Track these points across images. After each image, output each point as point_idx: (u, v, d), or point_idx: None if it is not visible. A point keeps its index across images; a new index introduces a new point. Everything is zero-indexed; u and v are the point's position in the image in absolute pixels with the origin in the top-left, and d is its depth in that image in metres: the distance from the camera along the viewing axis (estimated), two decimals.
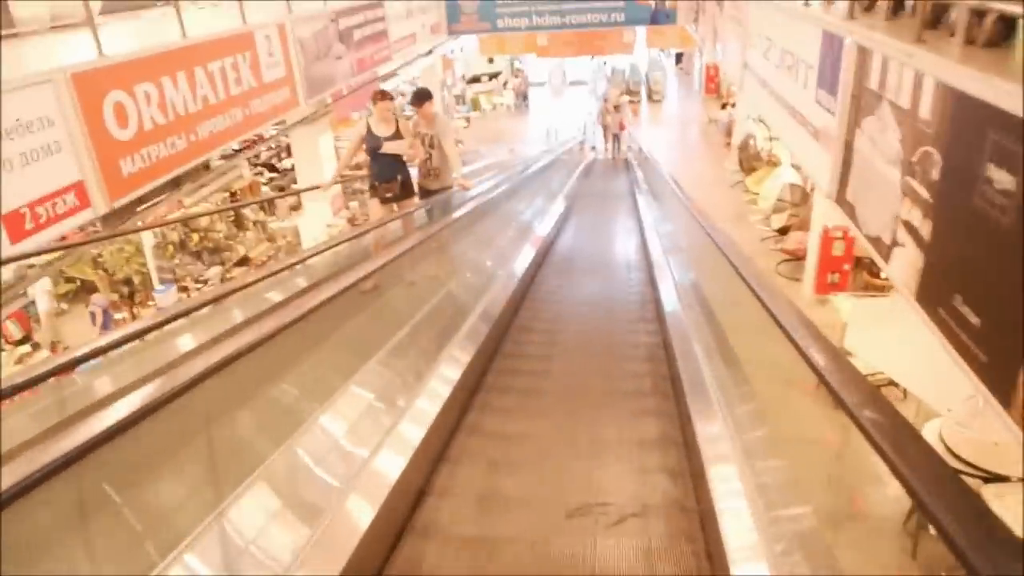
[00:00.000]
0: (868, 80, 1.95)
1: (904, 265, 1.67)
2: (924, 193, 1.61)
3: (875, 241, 1.89)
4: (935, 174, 1.53)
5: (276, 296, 4.72)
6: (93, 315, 9.07)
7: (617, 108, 20.98)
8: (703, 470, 3.02)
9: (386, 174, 5.43)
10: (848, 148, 2.14)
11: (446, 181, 5.88)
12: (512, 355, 5.09)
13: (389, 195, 5.51)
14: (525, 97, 25.29)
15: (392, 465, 2.85)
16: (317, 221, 9.66)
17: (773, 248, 11.27)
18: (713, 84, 24.05)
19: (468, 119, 22.40)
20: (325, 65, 5.94)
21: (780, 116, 2.93)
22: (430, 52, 11.98)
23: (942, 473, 1.36)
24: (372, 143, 5.32)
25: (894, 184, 1.77)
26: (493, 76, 25.19)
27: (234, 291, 3.83)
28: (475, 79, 25.04)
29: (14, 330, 9.44)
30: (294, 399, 2.70)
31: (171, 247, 10.09)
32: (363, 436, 2.91)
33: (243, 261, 11.50)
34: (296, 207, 11.65)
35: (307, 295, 2.40)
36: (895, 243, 1.78)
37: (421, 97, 5.68)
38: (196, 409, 2.06)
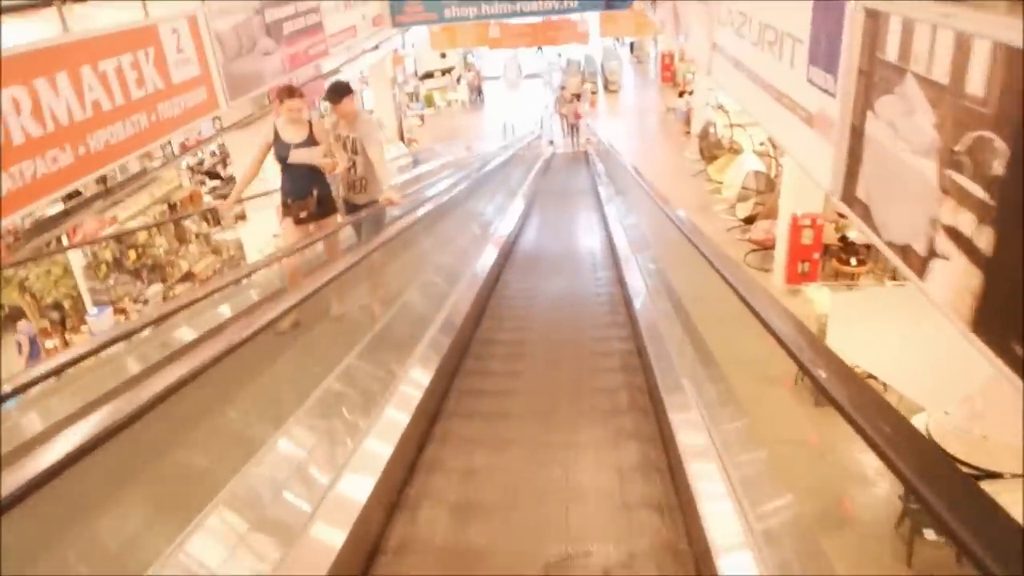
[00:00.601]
0: (883, 50, 1.60)
1: (950, 284, 1.31)
2: (979, 192, 1.24)
3: (902, 251, 1.54)
4: (997, 166, 1.17)
5: (185, 333, 4.23)
6: (19, 344, 8.39)
7: (578, 97, 20.82)
8: (693, 502, 2.69)
9: (299, 189, 4.51)
10: (856, 136, 1.80)
11: (375, 194, 4.88)
12: (475, 372, 4.71)
13: (304, 215, 4.55)
14: (480, 92, 24.85)
15: (336, 526, 2.45)
16: (262, 232, 9.09)
17: (740, 238, 11.09)
18: (669, 72, 23.96)
19: (422, 117, 21.88)
20: (250, 62, 5.40)
21: (761, 100, 2.60)
22: (376, 47, 11.49)
23: (942, 466, 1.28)
24: (280, 151, 4.45)
25: (929, 180, 1.42)
26: (446, 71, 24.68)
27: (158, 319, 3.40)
28: (428, 75, 24.50)
29: None
30: (189, 480, 2.27)
31: (104, 266, 9.42)
32: (291, 503, 2.49)
33: (187, 276, 10.87)
34: (241, 216, 11.05)
35: (211, 341, 1.97)
36: (933, 254, 1.42)
37: (339, 91, 4.64)
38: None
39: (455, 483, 3.24)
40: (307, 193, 4.51)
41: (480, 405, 4.17)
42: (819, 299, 7.60)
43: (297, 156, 4.40)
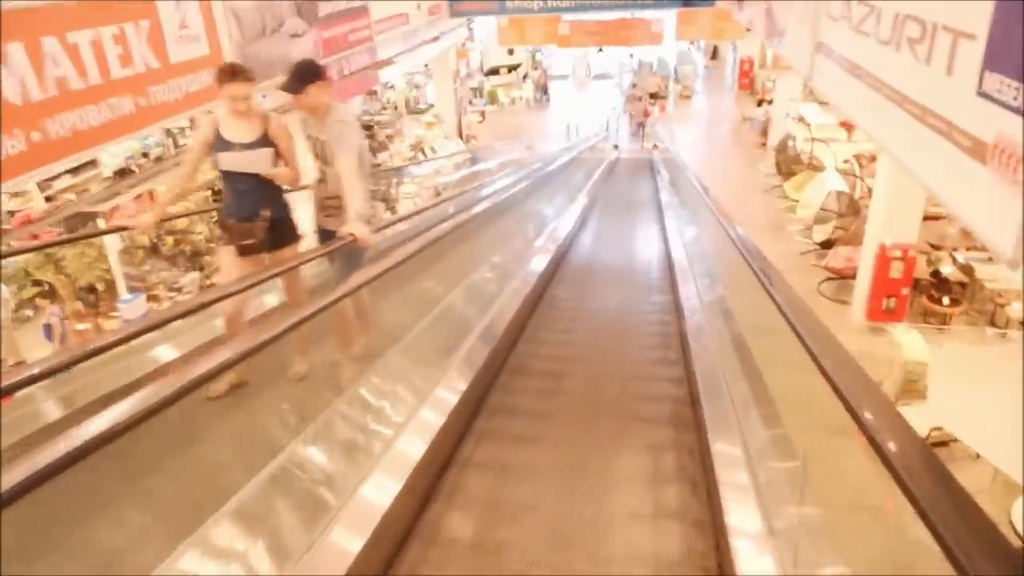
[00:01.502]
0: None
1: None
2: None
3: None
4: None
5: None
6: (48, 327, 8.25)
7: (653, 97, 20.13)
8: None
9: (243, 207, 3.32)
10: None
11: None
12: (502, 410, 4.13)
13: (249, 243, 3.34)
14: (546, 91, 24.25)
15: None
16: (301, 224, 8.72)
17: (815, 264, 10.14)
18: (747, 79, 22.83)
19: (483, 113, 21.42)
20: (274, 43, 4.93)
21: (890, 118, 1.91)
22: (436, 38, 11.05)
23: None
24: (219, 154, 3.29)
25: None
26: (512, 68, 24.17)
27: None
28: (493, 71, 24.04)
29: None
30: None
31: (141, 251, 9.25)
32: None
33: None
34: None
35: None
36: None
37: (301, 75, 3.32)
38: None
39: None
40: (253, 213, 3.29)
41: (501, 452, 3.59)
42: (909, 344, 6.69)
43: (237, 162, 3.24)
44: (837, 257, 9.30)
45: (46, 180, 12.64)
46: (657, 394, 4.43)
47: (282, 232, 3.51)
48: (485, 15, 9.62)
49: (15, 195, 11.77)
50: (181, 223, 9.78)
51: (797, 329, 2.26)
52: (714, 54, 28.00)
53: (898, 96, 1.85)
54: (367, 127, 13.87)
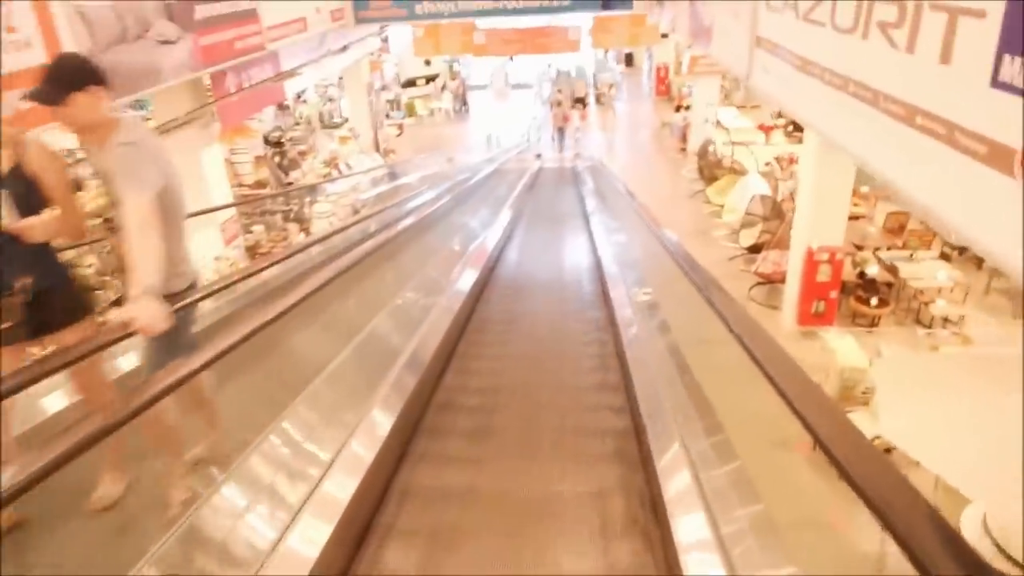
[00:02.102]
0: None
1: None
2: None
3: None
4: None
5: None
6: None
7: (581, 101, 20.28)
8: None
9: None
10: None
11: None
12: (431, 456, 3.69)
13: (8, 325, 2.39)
14: (465, 101, 23.93)
15: None
16: (201, 252, 8.01)
17: (744, 269, 10.15)
18: (664, 86, 23.19)
19: (401, 126, 20.89)
20: (138, 51, 4.33)
21: (863, 122, 1.61)
22: (345, 48, 10.52)
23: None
24: None
25: None
26: (430, 79, 23.74)
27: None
28: (410, 83, 23.55)
29: None
30: None
31: None
32: None
33: (119, 301, 9.73)
34: None
35: None
36: None
37: (61, 79, 2.37)
38: None
39: None
40: (6, 283, 2.39)
41: (429, 512, 3.15)
42: (843, 349, 6.65)
43: None
44: (766, 263, 9.30)
45: None
46: (601, 426, 4.10)
47: (58, 308, 2.56)
48: (392, 22, 9.14)
49: None
50: (67, 254, 8.87)
51: (743, 340, 2.23)
52: (629, 61, 28.42)
53: (869, 94, 1.56)
54: (277, 144, 13.14)
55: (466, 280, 6.52)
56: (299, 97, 20.79)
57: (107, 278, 9.83)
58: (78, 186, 10.19)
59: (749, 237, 10.38)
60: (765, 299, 9.29)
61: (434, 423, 4.16)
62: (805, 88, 2.07)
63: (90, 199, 10.13)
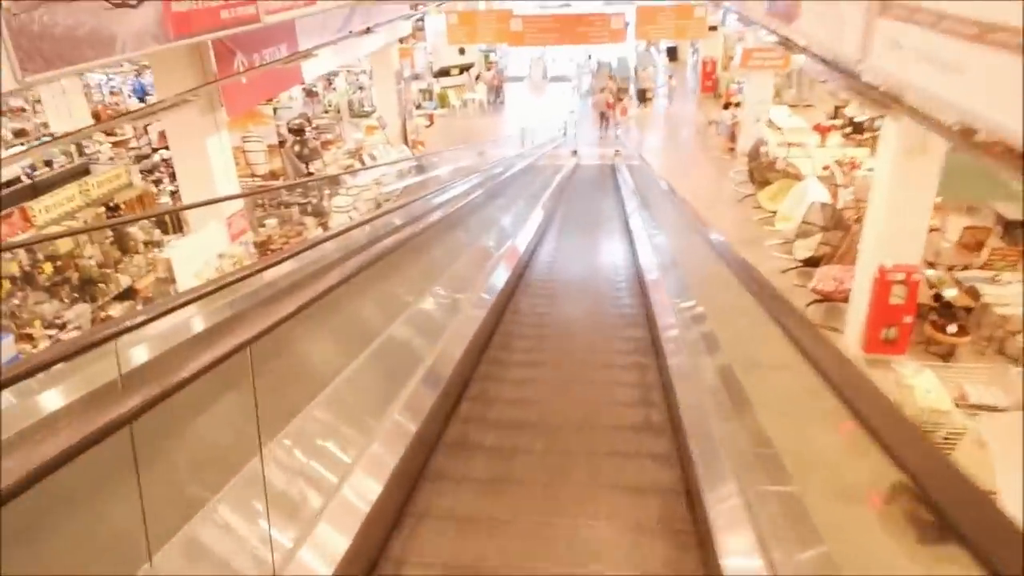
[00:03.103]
0: None
1: None
2: None
3: None
4: None
5: None
6: None
7: (624, 96, 19.82)
8: None
9: None
10: None
11: None
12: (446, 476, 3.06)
13: None
14: (499, 93, 23.28)
15: None
16: (204, 248, 7.49)
17: (798, 284, 9.32)
18: (710, 81, 22.24)
19: (431, 117, 20.32)
20: (81, 12, 3.70)
21: None
22: (368, 31, 9.92)
23: None
24: None
25: None
26: (464, 69, 23.13)
27: None
28: (443, 72, 22.97)
29: None
30: None
31: (7, 283, 7.85)
32: None
33: (126, 294, 9.27)
34: (177, 226, 9.46)
35: None
36: None
37: None
38: None
39: None
40: None
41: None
42: (922, 386, 5.83)
43: None
44: (826, 279, 8.46)
45: None
46: (642, 481, 3.42)
47: None
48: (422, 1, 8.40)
49: None
50: (64, 244, 8.42)
51: (823, 369, 1.90)
52: (672, 55, 27.46)
53: None
54: (298, 131, 12.64)
55: (492, 286, 5.85)
56: (329, 84, 20.37)
57: (108, 271, 9.42)
58: None
59: (806, 249, 9.53)
60: (823, 319, 8.46)
61: (442, 467, 3.53)
62: (985, 68, 1.37)
63: (88, 189, 9.73)
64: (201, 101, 6.70)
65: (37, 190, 9.08)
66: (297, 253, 4.33)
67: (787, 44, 5.70)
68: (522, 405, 4.43)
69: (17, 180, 10.25)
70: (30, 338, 7.91)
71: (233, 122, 8.71)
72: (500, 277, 6.12)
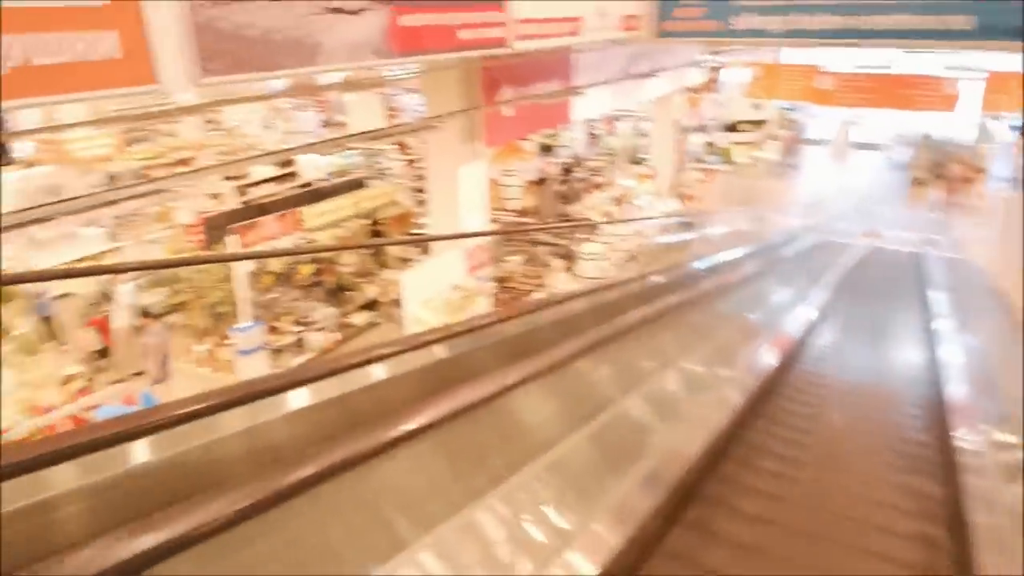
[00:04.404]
0: None
1: None
2: None
3: None
4: None
5: None
6: (146, 347, 7.80)
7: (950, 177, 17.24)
8: None
9: None
10: None
11: None
12: None
13: None
14: (795, 155, 21.45)
15: None
16: (439, 276, 7.43)
17: None
18: None
19: (711, 172, 19.22)
20: (286, 18, 3.44)
21: None
22: (648, 74, 9.32)
23: None
24: None
25: None
26: (757, 124, 21.70)
27: None
28: (731, 127, 21.78)
29: (93, 340, 8.59)
30: None
31: (270, 277, 8.61)
32: None
33: (370, 305, 9.76)
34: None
35: None
36: None
37: None
38: None
39: None
40: None
41: None
42: None
43: None
44: None
45: (245, 185, 13.06)
46: None
47: None
48: (703, 38, 7.56)
49: (213, 196, 12.14)
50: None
51: None
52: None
53: None
54: (565, 170, 12.52)
55: (743, 382, 4.80)
56: (611, 126, 20.38)
57: (360, 280, 10.01)
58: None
59: None
60: None
61: None
62: None
63: (359, 202, 10.45)
64: (460, 128, 6.65)
65: (319, 196, 9.99)
66: (535, 310, 3.96)
67: None
68: (752, 555, 3.33)
69: (307, 184, 11.52)
70: (276, 330, 8.59)
71: (496, 155, 8.71)
72: (754, 372, 5.02)
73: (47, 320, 8.77)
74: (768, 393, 5.21)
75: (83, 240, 10.29)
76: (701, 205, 16.45)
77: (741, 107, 21.14)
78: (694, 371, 4.51)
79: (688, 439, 3.79)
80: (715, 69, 18.34)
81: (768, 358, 5.35)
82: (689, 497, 3.56)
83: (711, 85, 20.67)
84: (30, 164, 12.55)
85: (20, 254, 9.49)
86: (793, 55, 19.24)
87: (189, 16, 2.98)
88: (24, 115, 11.05)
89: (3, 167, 13.06)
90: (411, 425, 2.46)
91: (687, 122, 17.01)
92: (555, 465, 3.01)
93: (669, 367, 4.25)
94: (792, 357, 5.80)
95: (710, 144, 20.79)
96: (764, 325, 6.21)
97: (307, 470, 2.01)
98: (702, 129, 20.63)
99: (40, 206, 4.59)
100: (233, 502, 1.83)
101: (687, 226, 14.21)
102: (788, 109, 22.45)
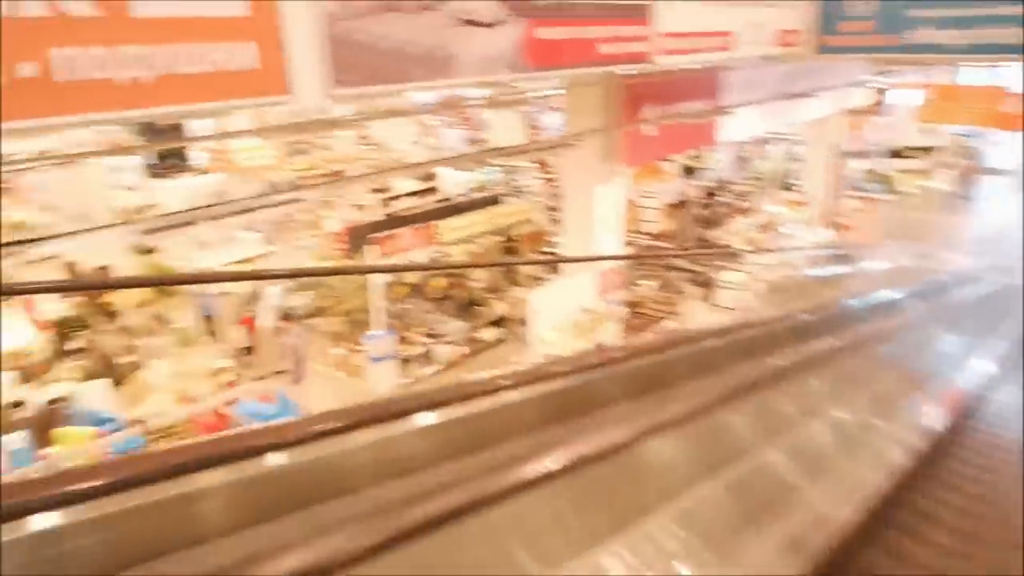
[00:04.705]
0: None
1: None
2: None
3: None
4: None
5: None
6: (285, 347, 8.19)
7: None
8: None
9: None
10: None
11: None
12: None
13: None
14: (971, 186, 19.42)
15: None
16: (568, 298, 7.28)
17: None
18: None
19: (868, 201, 17.79)
20: (421, 30, 3.34)
21: None
22: (802, 95, 8.66)
23: None
24: None
25: None
26: (925, 150, 19.92)
27: None
28: (896, 153, 20.12)
29: (242, 337, 9.18)
30: None
31: (403, 288, 8.82)
32: None
33: (499, 321, 9.78)
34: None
35: None
36: None
37: None
38: None
39: None
40: None
41: None
42: None
43: None
44: None
45: (389, 197, 13.66)
46: None
47: None
48: (870, 53, 6.81)
49: (358, 207, 12.78)
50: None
51: None
52: None
53: None
54: (708, 193, 12.02)
55: (907, 440, 4.24)
56: (761, 148, 19.42)
57: (490, 296, 10.06)
58: None
59: None
60: None
61: None
62: None
63: (494, 218, 10.51)
64: (598, 147, 6.49)
65: (456, 210, 10.19)
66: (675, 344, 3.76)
67: None
68: None
69: (446, 199, 11.82)
70: (408, 341, 8.78)
71: (635, 175, 8.46)
72: (920, 429, 4.43)
73: (208, 317, 9.49)
74: (935, 456, 4.58)
75: (241, 243, 11.11)
76: (859, 237, 15.24)
77: (908, 131, 19.47)
78: (847, 422, 4.02)
79: (858, 484, 3.37)
80: (881, 90, 16.99)
81: (937, 413, 4.71)
82: (844, 565, 3.14)
83: (876, 107, 19.22)
84: (203, 172, 13.76)
85: (189, 253, 10.39)
86: (972, 75, 17.48)
87: (326, 28, 3.04)
88: (195, 125, 12.17)
89: (181, 174, 14.45)
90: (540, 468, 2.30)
91: (847, 146, 15.84)
92: (687, 514, 2.73)
93: (817, 416, 3.82)
94: (965, 415, 5.10)
95: (871, 171, 19.30)
96: (932, 375, 5.52)
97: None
98: (863, 154, 19.19)
99: (199, 208, 4.88)
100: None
101: (842, 259, 13.22)
102: (964, 135, 20.42)
